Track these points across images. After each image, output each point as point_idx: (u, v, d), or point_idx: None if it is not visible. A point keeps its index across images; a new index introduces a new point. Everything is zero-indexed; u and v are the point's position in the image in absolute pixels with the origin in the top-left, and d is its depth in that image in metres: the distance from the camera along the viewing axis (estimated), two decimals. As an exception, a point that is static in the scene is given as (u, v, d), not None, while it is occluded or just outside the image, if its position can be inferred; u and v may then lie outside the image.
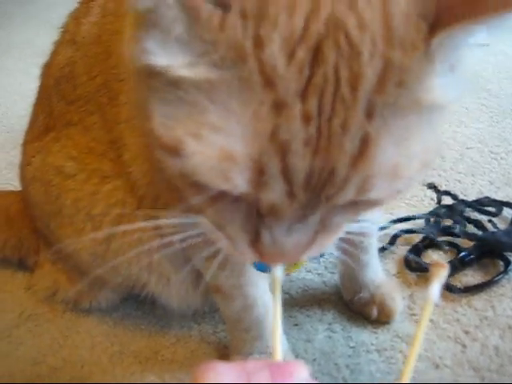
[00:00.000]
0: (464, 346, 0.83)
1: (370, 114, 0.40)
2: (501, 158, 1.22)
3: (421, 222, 1.04)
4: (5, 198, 1.02)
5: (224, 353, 0.85)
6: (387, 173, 0.42)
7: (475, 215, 1.05)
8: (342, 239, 0.60)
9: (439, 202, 1.09)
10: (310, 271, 0.97)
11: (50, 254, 0.91)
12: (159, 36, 0.41)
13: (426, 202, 1.10)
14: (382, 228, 0.99)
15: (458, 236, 1.00)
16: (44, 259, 0.94)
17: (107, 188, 0.77)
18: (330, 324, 0.88)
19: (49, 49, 0.85)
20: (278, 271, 0.53)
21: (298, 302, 0.92)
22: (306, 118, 0.39)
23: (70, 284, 0.91)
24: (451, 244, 0.99)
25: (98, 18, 0.74)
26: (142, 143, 0.66)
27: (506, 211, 1.05)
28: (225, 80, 0.40)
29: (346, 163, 0.41)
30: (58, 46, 0.82)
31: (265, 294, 0.79)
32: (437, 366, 0.80)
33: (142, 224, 0.67)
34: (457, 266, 0.92)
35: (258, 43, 0.38)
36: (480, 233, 1.00)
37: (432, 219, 1.04)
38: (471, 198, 1.10)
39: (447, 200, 1.09)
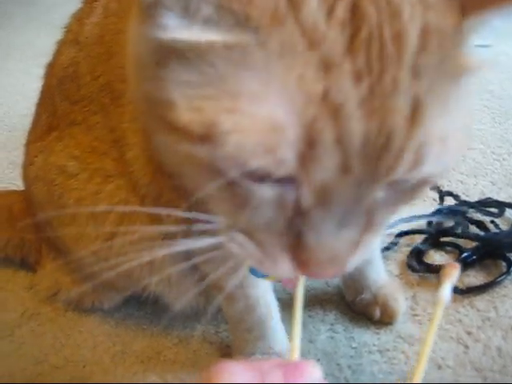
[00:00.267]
0: (466, 346, 0.83)
1: (417, 74, 0.39)
2: (503, 159, 1.22)
3: (423, 223, 1.04)
4: (7, 198, 1.02)
5: (226, 353, 0.85)
6: (437, 142, 0.41)
7: (477, 216, 1.05)
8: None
9: (441, 202, 1.09)
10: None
11: (52, 254, 0.91)
12: (184, 14, 0.39)
13: (428, 203, 1.09)
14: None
15: (460, 237, 1.00)
16: (47, 259, 0.94)
17: (110, 187, 0.76)
18: (332, 324, 0.88)
19: (49, 49, 0.85)
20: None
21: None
22: (357, 76, 0.37)
23: (72, 284, 0.91)
24: (453, 245, 0.99)
25: (101, 19, 0.74)
26: (144, 142, 0.66)
27: (509, 212, 1.05)
28: (261, 45, 0.38)
29: (401, 126, 0.39)
30: (61, 45, 0.82)
31: (267, 293, 0.79)
32: (439, 367, 0.80)
33: (150, 228, 0.65)
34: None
35: (294, 3, 0.37)
36: (482, 233, 1.00)
37: (434, 220, 1.04)
38: (473, 198, 1.10)
39: (449, 201, 1.09)
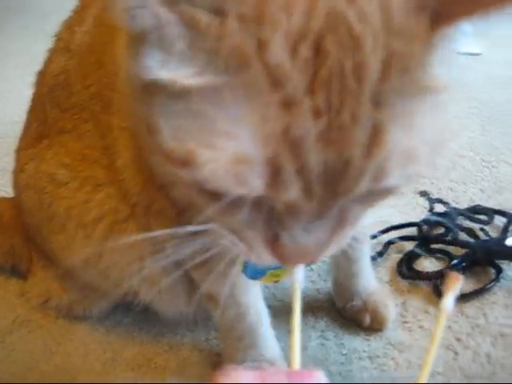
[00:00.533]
0: (456, 353, 0.83)
1: (377, 103, 0.40)
2: (492, 167, 1.23)
3: (413, 230, 1.04)
4: (-3, 205, 1.02)
5: (217, 360, 0.85)
6: (400, 157, 0.42)
7: (467, 223, 1.05)
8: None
9: (431, 209, 1.09)
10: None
11: (42, 261, 0.91)
12: (161, 52, 0.41)
13: (418, 210, 1.10)
14: (375, 236, 0.99)
15: (450, 244, 1.00)
16: (37, 266, 0.94)
17: (100, 196, 0.76)
18: (322, 331, 0.89)
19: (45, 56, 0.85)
20: (299, 276, 0.54)
21: (291, 309, 0.92)
22: (316, 113, 0.39)
23: (62, 292, 0.91)
24: (443, 252, 1.00)
25: (91, 28, 0.74)
26: (134, 152, 0.66)
27: (498, 219, 1.05)
28: (230, 86, 0.40)
29: (359, 153, 0.41)
30: (52, 53, 0.82)
31: (257, 301, 0.79)
32: (429, 374, 0.80)
33: (144, 235, 0.66)
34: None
35: (260, 45, 0.38)
36: (472, 241, 1.01)
37: (424, 227, 1.05)
38: (463, 206, 1.10)
39: (439, 208, 1.09)
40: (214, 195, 0.44)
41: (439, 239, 1.02)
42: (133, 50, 0.44)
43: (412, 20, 0.40)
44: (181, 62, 0.41)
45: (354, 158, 0.41)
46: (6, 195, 1.07)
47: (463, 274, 0.94)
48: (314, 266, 0.99)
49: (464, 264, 0.95)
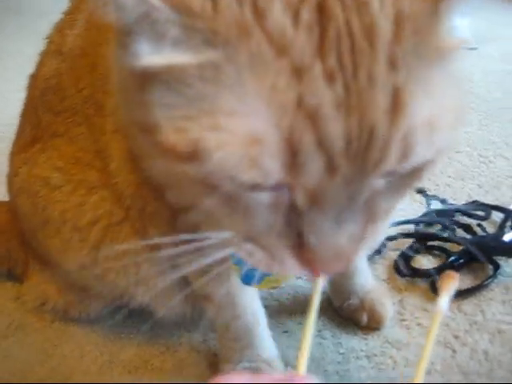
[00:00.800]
0: (454, 350, 0.83)
1: (393, 65, 0.38)
2: (489, 162, 1.23)
3: (410, 227, 1.04)
4: (-8, 208, 1.01)
5: (214, 361, 0.85)
6: (425, 125, 0.40)
7: (464, 219, 1.05)
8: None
9: (428, 206, 1.09)
10: (299, 278, 0.96)
11: (38, 265, 0.91)
12: (152, 39, 0.40)
13: (415, 207, 1.10)
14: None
15: (447, 240, 1.00)
16: (32, 270, 0.94)
17: (94, 199, 0.76)
18: (319, 331, 0.88)
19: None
20: (320, 286, 0.50)
21: (287, 309, 0.92)
22: (330, 77, 0.37)
23: (58, 295, 0.91)
24: (441, 248, 0.99)
25: (83, 31, 0.74)
26: (128, 155, 0.66)
27: (495, 215, 1.05)
28: (231, 60, 0.38)
29: (383, 119, 0.38)
30: (44, 57, 0.82)
31: (254, 301, 0.79)
32: (427, 371, 0.79)
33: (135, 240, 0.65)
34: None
35: (259, 13, 0.37)
36: (469, 237, 1.01)
37: (421, 224, 1.04)
38: (460, 201, 1.10)
39: (436, 204, 1.09)
40: (226, 193, 0.41)
41: (436, 236, 1.01)
42: (123, 43, 0.42)
43: None
44: (174, 45, 0.39)
45: (379, 126, 0.38)
46: (0, 199, 1.06)
47: (460, 270, 0.94)
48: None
49: (461, 260, 0.95)
